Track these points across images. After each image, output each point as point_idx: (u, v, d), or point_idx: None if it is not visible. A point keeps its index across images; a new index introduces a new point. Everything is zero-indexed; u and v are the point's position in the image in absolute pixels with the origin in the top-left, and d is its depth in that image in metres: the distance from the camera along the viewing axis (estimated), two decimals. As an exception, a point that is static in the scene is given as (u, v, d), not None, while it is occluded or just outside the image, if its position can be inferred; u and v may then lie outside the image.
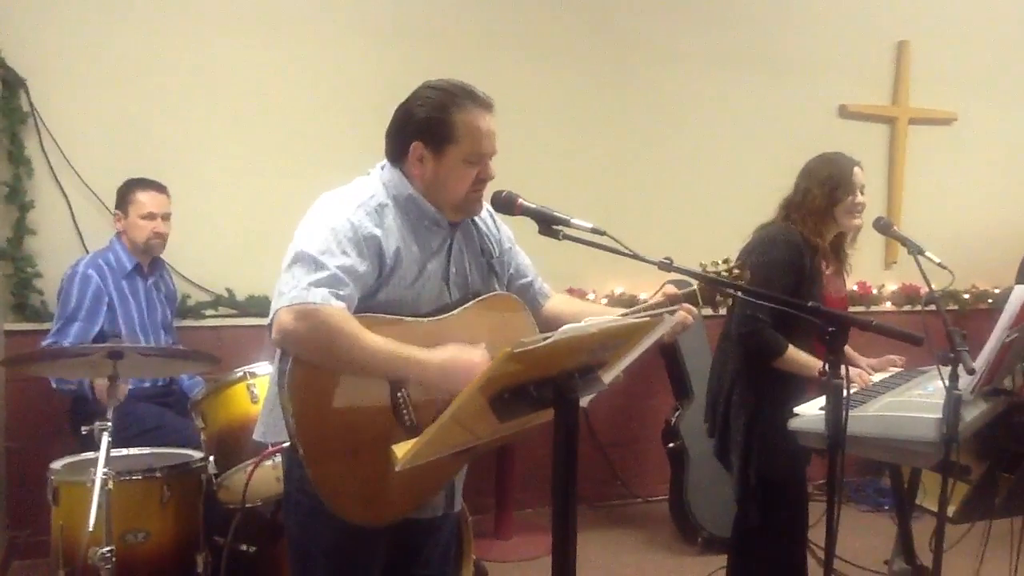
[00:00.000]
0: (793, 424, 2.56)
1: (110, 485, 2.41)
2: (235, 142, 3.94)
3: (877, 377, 2.91)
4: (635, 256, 1.88)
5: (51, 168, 3.70)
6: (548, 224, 1.93)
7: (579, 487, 1.52)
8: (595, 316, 1.79)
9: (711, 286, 2.07)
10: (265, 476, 2.77)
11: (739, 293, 2.06)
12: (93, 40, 3.72)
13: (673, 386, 4.40)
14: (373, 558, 1.95)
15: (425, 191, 1.92)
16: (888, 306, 5.24)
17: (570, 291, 4.38)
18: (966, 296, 5.31)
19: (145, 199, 3.42)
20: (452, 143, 1.87)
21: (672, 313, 1.72)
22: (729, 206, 4.53)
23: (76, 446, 2.98)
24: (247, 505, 2.81)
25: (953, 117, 5.33)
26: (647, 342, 1.68)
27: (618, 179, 4.60)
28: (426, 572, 2.09)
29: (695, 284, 2.08)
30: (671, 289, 2.06)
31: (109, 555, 2.44)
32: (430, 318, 1.89)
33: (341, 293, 1.75)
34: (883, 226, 2.97)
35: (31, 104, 3.65)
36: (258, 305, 3.90)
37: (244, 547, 2.89)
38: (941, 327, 2.38)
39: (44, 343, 3.26)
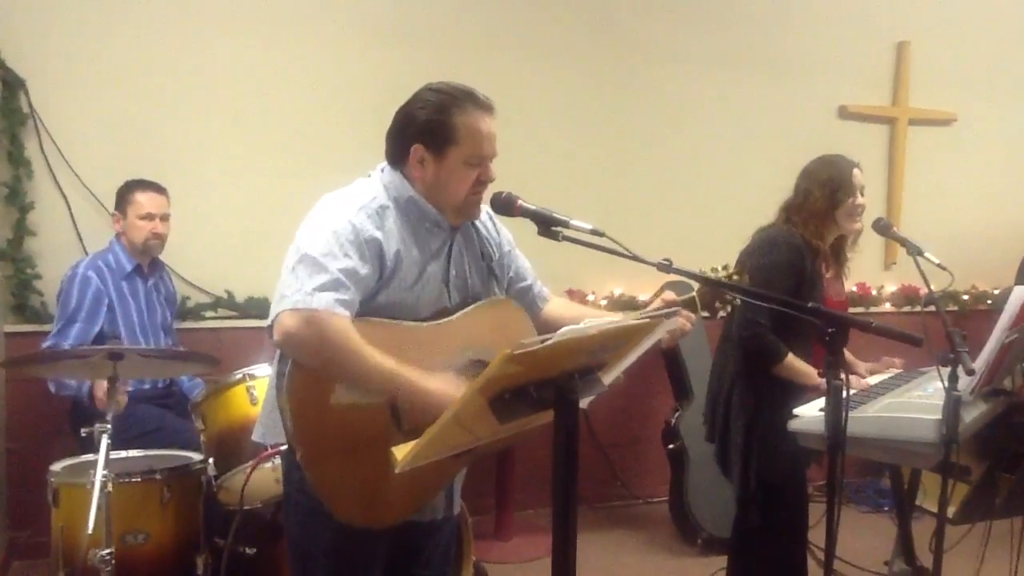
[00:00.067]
0: (793, 425, 2.56)
1: (110, 487, 2.41)
2: (235, 143, 3.94)
3: (876, 378, 2.91)
4: (634, 257, 1.88)
5: (51, 169, 3.70)
6: (547, 225, 1.93)
7: (579, 488, 1.52)
8: (594, 319, 1.79)
9: (710, 292, 2.07)
10: (265, 477, 2.77)
11: (738, 297, 2.06)
12: (93, 41, 3.73)
13: (673, 387, 4.40)
14: (373, 559, 1.95)
15: (426, 193, 1.92)
16: (888, 307, 5.24)
17: (569, 292, 4.38)
18: (966, 297, 5.31)
19: (143, 200, 3.42)
20: (453, 145, 1.87)
21: (670, 316, 1.73)
22: (728, 206, 4.54)
23: (76, 448, 2.98)
24: (247, 507, 2.81)
25: (953, 118, 5.33)
26: (647, 343, 1.68)
27: (618, 179, 4.60)
28: (427, 573, 2.09)
29: (695, 290, 2.08)
30: (670, 295, 2.06)
31: (109, 557, 2.44)
32: (429, 323, 1.89)
33: (344, 298, 1.75)
34: (882, 227, 2.97)
35: (31, 105, 3.65)
36: (258, 307, 3.90)
37: (244, 548, 2.89)
38: (941, 328, 2.38)
39: (44, 345, 3.26)
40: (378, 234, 1.84)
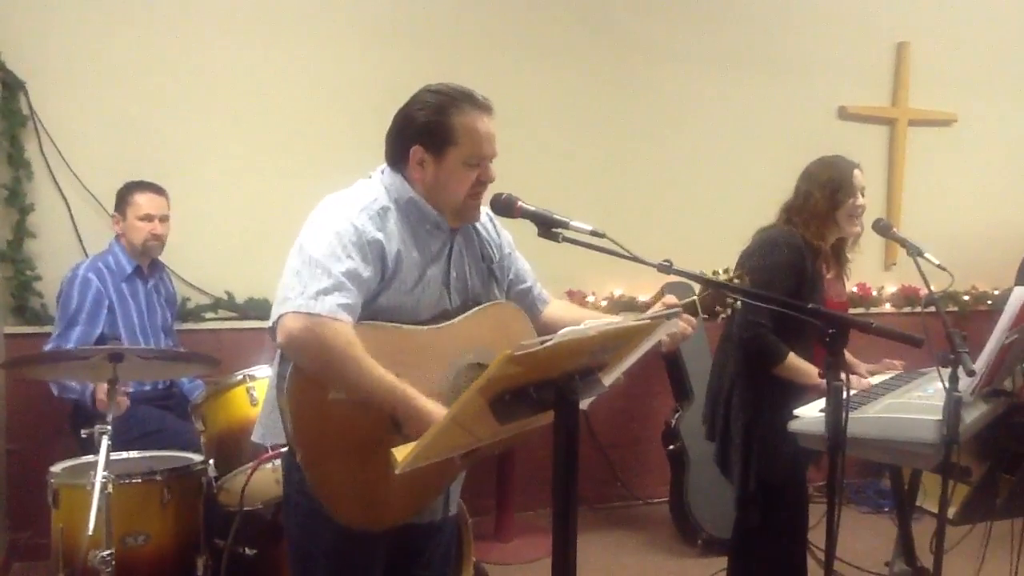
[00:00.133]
0: (793, 426, 2.56)
1: (110, 488, 2.42)
2: (235, 144, 3.94)
3: (877, 379, 2.91)
4: (634, 258, 1.88)
5: (51, 171, 3.70)
6: (547, 227, 1.93)
7: (579, 489, 1.52)
8: (594, 320, 1.79)
9: (711, 295, 2.07)
10: (265, 479, 2.77)
11: (739, 299, 2.06)
12: (92, 42, 3.72)
13: (673, 388, 4.40)
14: (373, 560, 1.95)
15: (426, 194, 1.92)
16: (888, 308, 5.24)
17: (569, 293, 4.38)
18: (966, 297, 5.30)
19: (142, 201, 3.42)
20: (452, 146, 1.87)
21: (670, 318, 1.73)
22: (728, 207, 4.54)
23: (76, 449, 2.97)
24: (247, 508, 2.81)
25: (953, 118, 5.33)
26: (647, 344, 1.68)
27: (618, 179, 4.60)
28: (427, 574, 2.09)
29: (695, 293, 2.08)
30: (671, 299, 2.06)
31: (109, 558, 2.44)
32: (430, 326, 1.89)
33: (347, 301, 1.75)
34: (882, 228, 2.97)
35: (31, 107, 3.65)
36: (258, 308, 3.90)
37: (244, 550, 2.89)
38: (941, 329, 2.38)
39: (46, 348, 3.26)
40: (380, 235, 1.84)
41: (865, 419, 2.44)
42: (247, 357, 3.14)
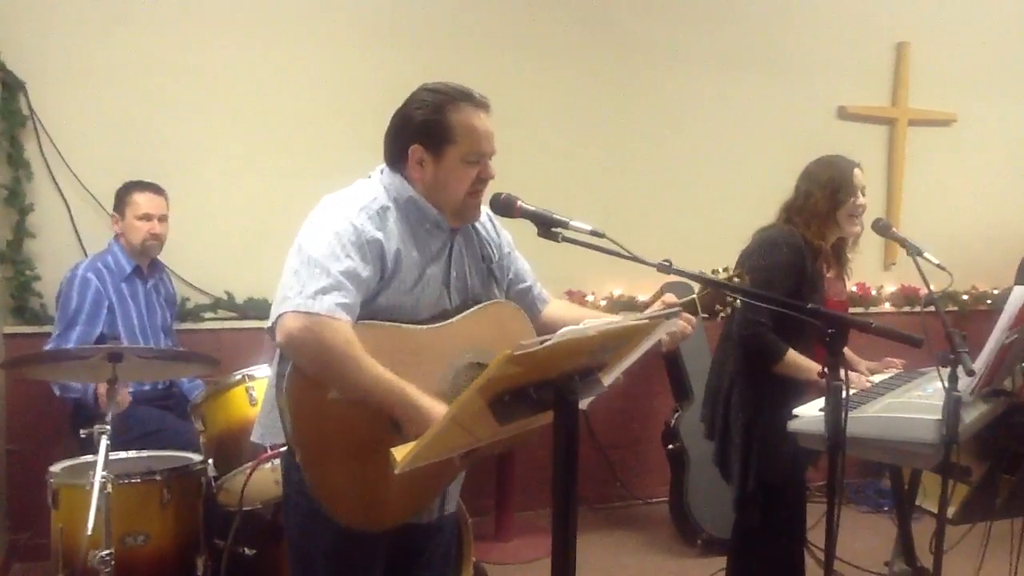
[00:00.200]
0: (793, 425, 2.56)
1: (109, 488, 2.41)
2: (234, 144, 3.94)
3: (877, 378, 2.91)
4: (634, 258, 1.88)
5: (50, 171, 3.70)
6: (547, 226, 1.93)
7: (579, 489, 1.52)
8: (594, 320, 1.79)
9: (711, 294, 2.07)
10: (264, 479, 2.77)
11: (738, 299, 2.06)
12: (92, 43, 3.72)
13: (673, 388, 4.40)
14: (373, 560, 1.95)
15: (426, 193, 1.92)
16: (887, 307, 5.24)
17: (569, 293, 4.38)
18: (965, 297, 5.30)
19: (141, 200, 3.42)
20: (450, 144, 1.87)
21: (670, 317, 1.72)
22: (728, 206, 4.54)
23: (76, 449, 2.97)
24: (246, 508, 2.81)
25: (952, 118, 5.32)
26: (646, 344, 1.68)
27: (618, 179, 4.60)
28: (427, 574, 2.09)
29: (695, 292, 2.08)
30: (670, 297, 2.06)
31: (108, 558, 2.44)
32: (429, 325, 1.89)
33: (345, 301, 1.75)
34: (882, 227, 2.97)
35: (30, 107, 3.65)
36: (257, 308, 3.90)
37: (244, 549, 2.89)
38: (940, 328, 2.38)
39: (45, 348, 3.25)
40: (379, 235, 1.84)
41: (865, 419, 2.44)
42: (246, 357, 3.14)
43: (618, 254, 1.89)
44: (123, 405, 2.92)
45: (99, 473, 2.39)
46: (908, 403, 2.57)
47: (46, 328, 3.50)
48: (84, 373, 2.84)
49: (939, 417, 2.31)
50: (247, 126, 3.95)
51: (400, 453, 1.50)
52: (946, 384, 2.32)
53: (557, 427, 1.47)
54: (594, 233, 1.89)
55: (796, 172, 2.97)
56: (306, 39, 4.03)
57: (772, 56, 4.88)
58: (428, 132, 1.87)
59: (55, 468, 2.80)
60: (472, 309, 1.97)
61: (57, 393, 3.23)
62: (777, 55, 4.89)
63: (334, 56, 4.08)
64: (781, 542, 2.94)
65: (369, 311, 1.83)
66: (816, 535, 2.63)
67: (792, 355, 2.75)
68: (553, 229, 1.92)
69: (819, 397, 2.50)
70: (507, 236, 2.17)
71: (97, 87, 3.73)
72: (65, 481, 2.73)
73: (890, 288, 5.26)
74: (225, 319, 3.96)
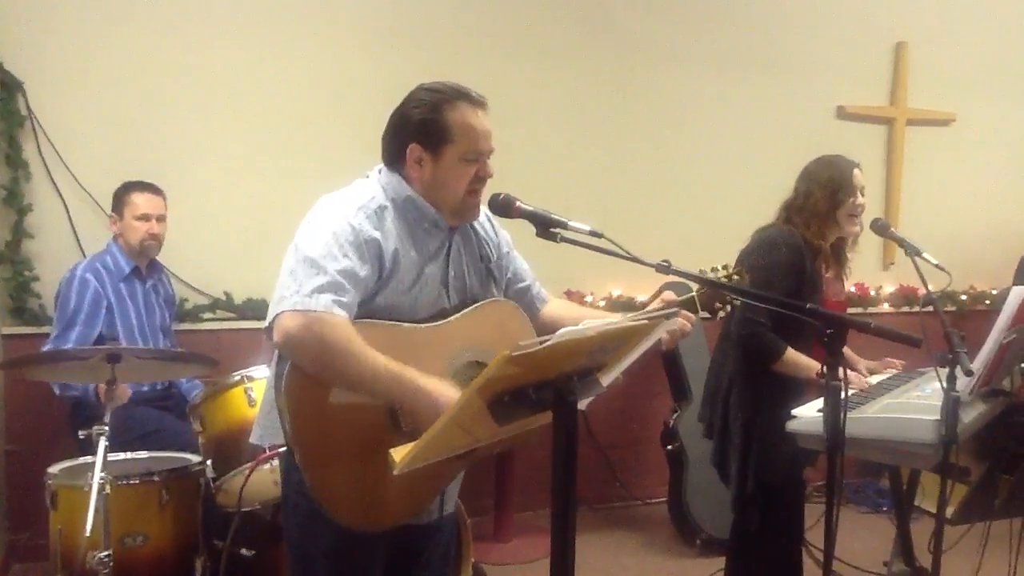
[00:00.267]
0: (791, 426, 2.56)
1: (107, 489, 2.42)
2: (233, 144, 3.94)
3: (875, 379, 2.91)
4: (633, 259, 1.88)
5: (48, 171, 3.70)
6: (546, 227, 1.93)
7: (578, 489, 1.52)
8: (593, 320, 1.79)
9: (710, 292, 2.07)
10: (263, 479, 2.77)
11: (737, 298, 2.06)
12: (90, 43, 3.72)
13: (672, 388, 4.40)
14: (373, 560, 1.95)
15: (424, 193, 1.92)
16: (886, 307, 5.24)
17: (568, 294, 4.38)
18: (964, 297, 5.31)
19: (139, 200, 3.42)
20: (448, 143, 1.88)
21: (669, 317, 1.72)
22: (727, 206, 4.55)
23: (75, 450, 2.97)
24: (245, 509, 2.81)
25: (951, 118, 5.33)
26: (645, 345, 1.68)
27: (617, 179, 4.60)
28: (427, 574, 2.09)
29: (694, 290, 2.08)
30: (669, 295, 2.06)
31: (107, 559, 2.44)
32: (427, 324, 1.89)
33: (343, 300, 1.75)
34: (881, 227, 2.97)
35: (28, 107, 3.65)
36: (256, 308, 3.90)
37: (243, 550, 2.88)
38: (939, 328, 2.38)
39: (44, 349, 3.25)
40: (376, 234, 1.84)
41: (863, 419, 2.44)
42: (245, 358, 3.14)
43: (617, 254, 1.89)
44: (123, 399, 2.92)
45: (98, 474, 2.39)
46: (907, 403, 2.57)
47: (44, 329, 3.49)
48: (83, 374, 2.84)
49: (938, 417, 2.31)
50: (246, 126, 3.95)
51: (399, 454, 1.50)
52: (945, 384, 2.32)
53: (556, 427, 1.47)
54: (593, 233, 1.89)
55: (795, 172, 2.97)
56: (306, 39, 4.03)
57: (771, 56, 4.88)
58: (426, 131, 1.87)
59: (53, 469, 2.80)
60: (471, 308, 1.97)
61: (57, 392, 3.23)
62: (776, 55, 4.90)
63: (334, 56, 4.08)
64: (780, 542, 2.94)
65: (367, 311, 1.83)
66: (815, 535, 2.63)
67: (791, 353, 2.75)
68: (552, 229, 1.92)
69: (818, 397, 2.50)
70: (506, 236, 2.17)
71: (95, 87, 3.73)
72: (64, 482, 2.73)
73: (889, 288, 5.26)
74: (224, 320, 3.96)
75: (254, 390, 2.88)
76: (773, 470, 2.83)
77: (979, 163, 5.40)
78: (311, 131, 4.02)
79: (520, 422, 1.51)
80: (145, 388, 3.38)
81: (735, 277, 2.09)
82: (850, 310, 4.64)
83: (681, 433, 4.19)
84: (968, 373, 2.29)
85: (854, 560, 3.67)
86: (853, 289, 5.02)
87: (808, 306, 1.95)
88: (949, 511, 2.88)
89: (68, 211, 3.73)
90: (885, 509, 4.50)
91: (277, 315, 1.75)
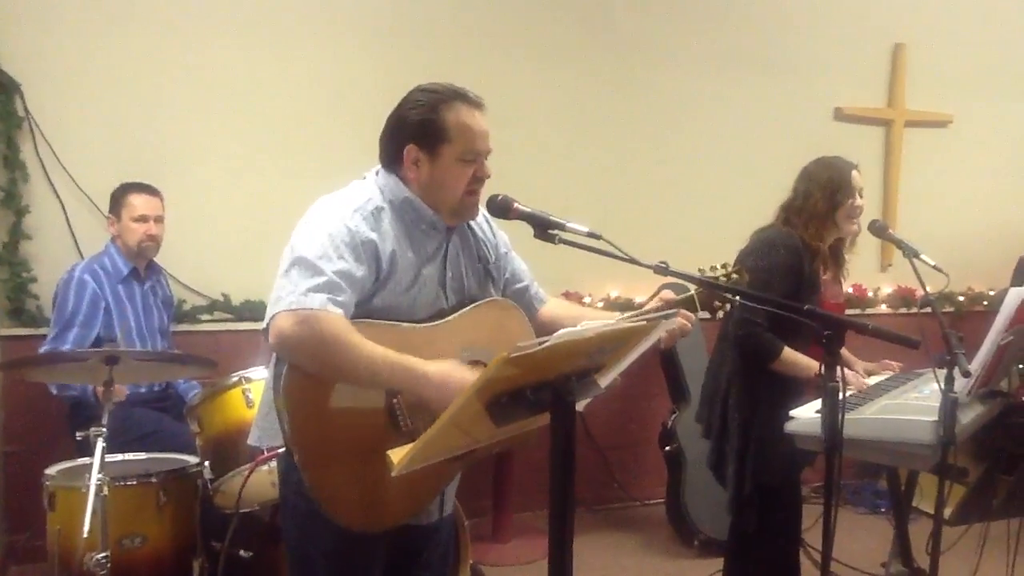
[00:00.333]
0: (789, 427, 2.56)
1: (105, 490, 2.41)
2: (232, 145, 3.93)
3: (873, 380, 2.91)
4: (631, 260, 1.88)
5: (46, 173, 3.69)
6: (544, 228, 1.93)
7: (576, 490, 1.51)
8: (592, 320, 1.79)
9: (708, 292, 2.07)
10: (261, 481, 2.77)
11: (736, 298, 2.06)
12: (88, 43, 3.72)
13: (670, 389, 4.40)
14: (373, 561, 1.95)
15: (422, 194, 1.92)
16: (884, 309, 5.24)
17: (566, 295, 4.38)
18: (962, 298, 5.31)
19: (137, 202, 3.42)
20: (446, 143, 1.87)
21: (668, 317, 1.72)
22: (726, 207, 4.55)
23: (73, 451, 2.97)
24: (243, 510, 2.81)
25: (949, 119, 5.33)
26: (644, 346, 1.68)
27: (617, 180, 4.60)
28: (426, 574, 2.09)
29: (692, 289, 2.08)
30: (668, 295, 2.06)
31: (105, 560, 2.44)
32: (426, 324, 1.89)
33: (339, 299, 1.75)
34: (878, 229, 2.97)
35: (26, 109, 3.64)
36: (254, 310, 3.90)
37: (241, 552, 2.88)
38: (937, 329, 2.38)
39: (41, 350, 3.25)
40: (373, 236, 1.84)
41: (861, 420, 2.44)
42: (243, 359, 3.14)
43: (615, 256, 1.89)
44: (120, 396, 2.92)
45: (95, 475, 2.39)
46: (905, 404, 2.57)
47: (42, 330, 3.49)
48: (80, 375, 2.83)
49: (936, 418, 2.31)
50: (245, 126, 3.95)
51: (397, 456, 1.49)
52: (943, 385, 2.32)
53: (554, 428, 1.47)
54: (591, 235, 1.88)
55: (793, 173, 2.98)
56: (306, 39, 4.03)
57: (769, 57, 4.88)
58: (423, 132, 1.87)
59: (51, 470, 2.79)
60: (469, 307, 1.97)
61: (54, 392, 3.23)
62: (774, 56, 4.90)
63: (334, 56, 4.07)
64: (778, 543, 2.94)
65: (365, 312, 1.83)
66: (813, 536, 2.64)
67: (789, 353, 2.75)
68: (550, 231, 1.92)
69: (816, 398, 2.50)
70: (503, 236, 2.16)
71: (93, 88, 3.73)
72: (61, 483, 2.72)
73: (887, 290, 5.26)
74: (222, 321, 3.95)
75: (252, 391, 2.88)
76: (771, 471, 2.83)
77: (977, 165, 5.40)
78: (311, 131, 4.02)
79: (518, 423, 1.51)
80: (143, 389, 3.38)
81: (734, 276, 2.09)
82: (848, 311, 4.63)
83: (679, 434, 4.19)
84: (966, 374, 2.29)
85: (852, 561, 3.67)
86: (851, 290, 5.03)
87: (806, 307, 1.95)
88: (947, 512, 2.87)
89: (66, 212, 3.72)
90: (883, 510, 4.50)
91: (273, 316, 1.75)
